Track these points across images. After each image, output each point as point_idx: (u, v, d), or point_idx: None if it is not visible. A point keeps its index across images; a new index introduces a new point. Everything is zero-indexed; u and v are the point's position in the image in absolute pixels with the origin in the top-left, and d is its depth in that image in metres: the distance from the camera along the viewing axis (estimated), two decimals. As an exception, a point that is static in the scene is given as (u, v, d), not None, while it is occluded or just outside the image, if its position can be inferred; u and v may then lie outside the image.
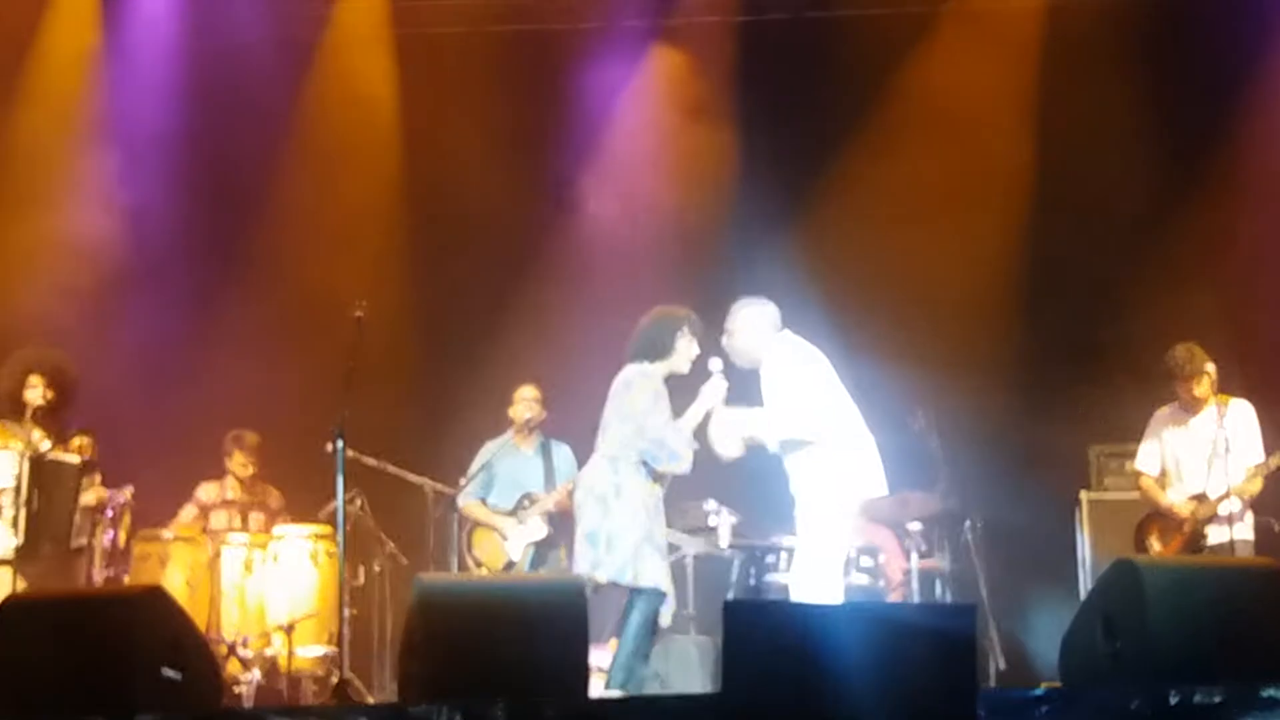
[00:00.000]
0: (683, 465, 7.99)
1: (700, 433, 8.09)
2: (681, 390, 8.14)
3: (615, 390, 8.10)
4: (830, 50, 11.13)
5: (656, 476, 8.03)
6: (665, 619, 7.96)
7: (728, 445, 8.10)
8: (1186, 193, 10.70)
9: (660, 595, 7.84)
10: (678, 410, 8.04)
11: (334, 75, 11.22)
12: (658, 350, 8.11)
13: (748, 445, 8.17)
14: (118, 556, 9.16)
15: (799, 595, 8.06)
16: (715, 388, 8.10)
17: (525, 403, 9.76)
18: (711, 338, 8.28)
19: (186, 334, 10.92)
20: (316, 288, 10.58)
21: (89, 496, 8.96)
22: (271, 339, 10.76)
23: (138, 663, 6.00)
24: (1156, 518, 9.15)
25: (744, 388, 8.20)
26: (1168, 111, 10.67)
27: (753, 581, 9.10)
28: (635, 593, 7.84)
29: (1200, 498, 8.92)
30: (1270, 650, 6.43)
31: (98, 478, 9.02)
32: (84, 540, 8.95)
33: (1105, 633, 6.53)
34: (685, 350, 8.13)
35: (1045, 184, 10.76)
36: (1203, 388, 8.99)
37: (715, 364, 8.15)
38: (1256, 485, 8.84)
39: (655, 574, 7.86)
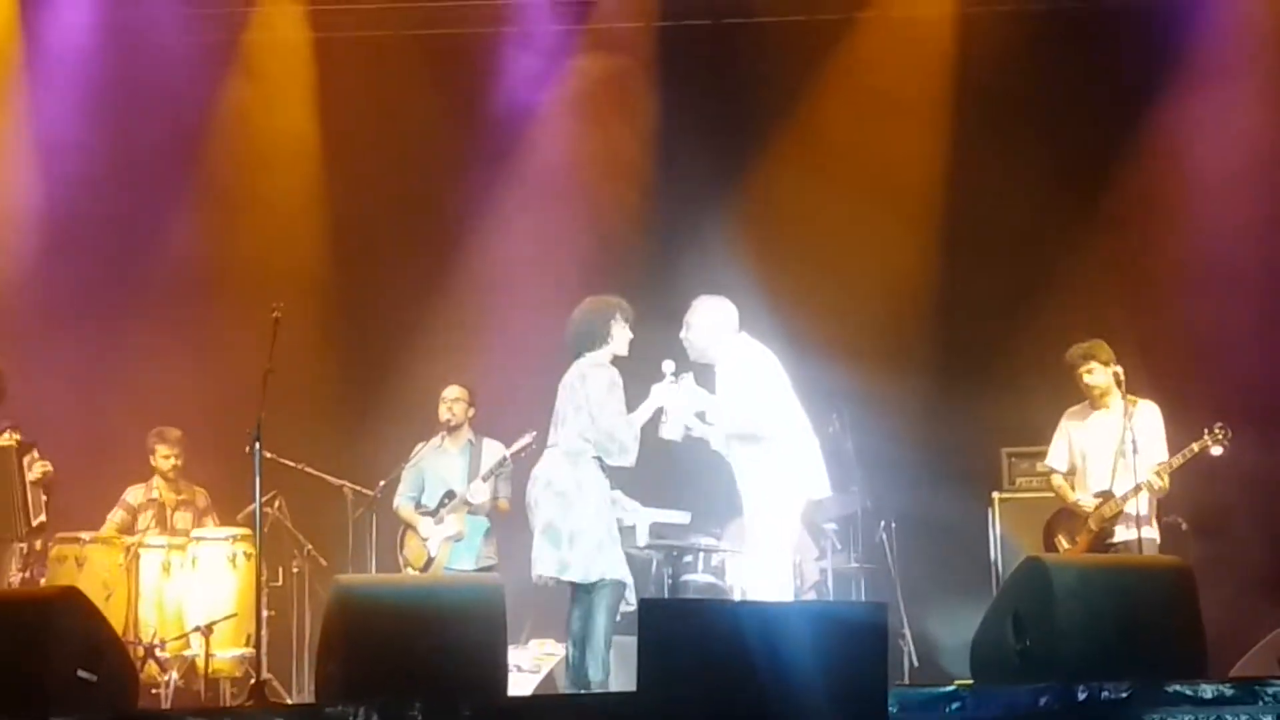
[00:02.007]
0: (628, 459, 8.05)
1: (645, 430, 8.16)
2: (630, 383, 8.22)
3: (569, 383, 8.15)
4: (750, 56, 11.21)
5: (609, 471, 8.08)
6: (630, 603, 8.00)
7: (672, 428, 8.17)
8: (1096, 199, 10.85)
9: (623, 586, 7.90)
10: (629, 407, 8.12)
11: (253, 79, 11.17)
12: (596, 339, 8.17)
13: (688, 436, 8.24)
14: (34, 558, 9.14)
15: (750, 593, 8.13)
16: (667, 390, 8.16)
17: (446, 404, 9.80)
18: (637, 333, 8.34)
19: (103, 337, 10.85)
20: (235, 289, 10.56)
21: (35, 472, 8.93)
22: (189, 341, 10.72)
23: (52, 664, 5.99)
24: (1065, 516, 9.25)
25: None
26: (1079, 119, 10.81)
27: (669, 581, 9.17)
28: (597, 590, 7.89)
29: (1106, 495, 9.04)
30: (1175, 647, 6.57)
31: (35, 453, 8.97)
32: (44, 516, 8.93)
33: (1015, 630, 6.65)
34: (621, 335, 8.22)
35: (958, 191, 10.88)
36: (1095, 379, 9.11)
37: (668, 365, 8.22)
38: (1164, 483, 8.95)
39: (618, 566, 7.94)
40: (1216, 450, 8.79)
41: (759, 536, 8.19)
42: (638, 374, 8.30)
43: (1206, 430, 8.80)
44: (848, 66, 11.15)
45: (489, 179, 11.27)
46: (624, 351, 8.25)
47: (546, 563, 7.98)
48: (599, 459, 8.03)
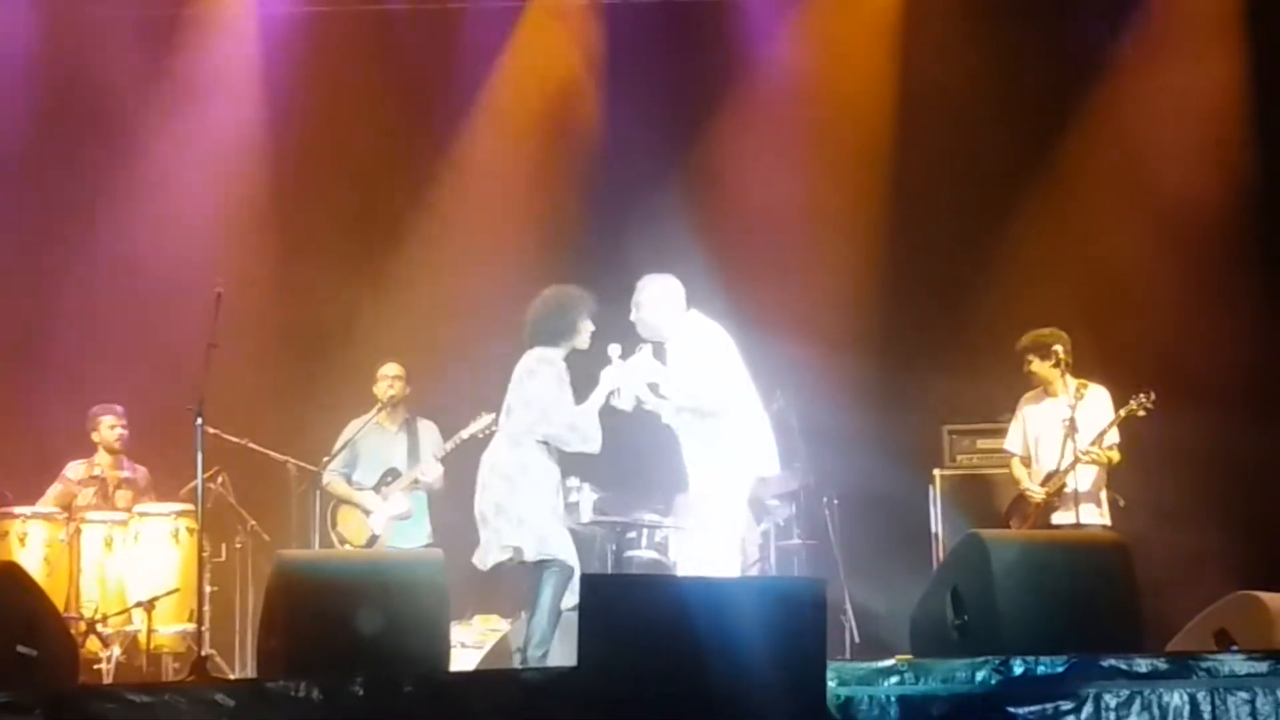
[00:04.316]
0: (593, 446, 8.06)
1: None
2: (576, 369, 8.19)
3: (518, 376, 8.13)
4: (697, 31, 11.22)
5: (557, 457, 8.08)
6: (569, 600, 7.91)
7: (624, 398, 8.19)
8: (1040, 179, 10.92)
9: (569, 569, 7.88)
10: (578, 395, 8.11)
11: (197, 49, 11.10)
12: (561, 333, 8.15)
13: (639, 407, 8.24)
14: (-25, 535, 9.09)
15: (694, 569, 8.15)
16: (614, 373, 8.17)
17: (387, 380, 9.73)
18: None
19: (43, 311, 10.79)
20: (177, 263, 10.50)
21: None
22: (131, 316, 10.66)
23: (-9, 640, 5.98)
24: (1020, 500, 9.36)
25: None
26: (1024, 101, 10.85)
27: (613, 556, 9.19)
28: (546, 569, 7.87)
29: (1049, 476, 9.14)
30: (1112, 621, 6.65)
31: None
32: None
33: (954, 605, 6.72)
34: (585, 329, 8.20)
35: (903, 170, 10.92)
36: (1035, 370, 9.24)
37: (614, 350, 8.22)
38: (1102, 454, 9.04)
39: (564, 548, 7.94)
40: (1141, 414, 8.92)
41: (706, 513, 8.19)
42: (584, 355, 8.27)
43: (1132, 396, 8.92)
44: (795, 43, 11.17)
45: (432, 156, 11.24)
46: (585, 345, 8.23)
47: (490, 542, 7.97)
48: (544, 443, 8.02)
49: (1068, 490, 8.98)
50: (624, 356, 8.23)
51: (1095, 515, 9.05)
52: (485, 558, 8.03)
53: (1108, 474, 9.15)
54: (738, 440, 8.15)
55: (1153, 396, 8.86)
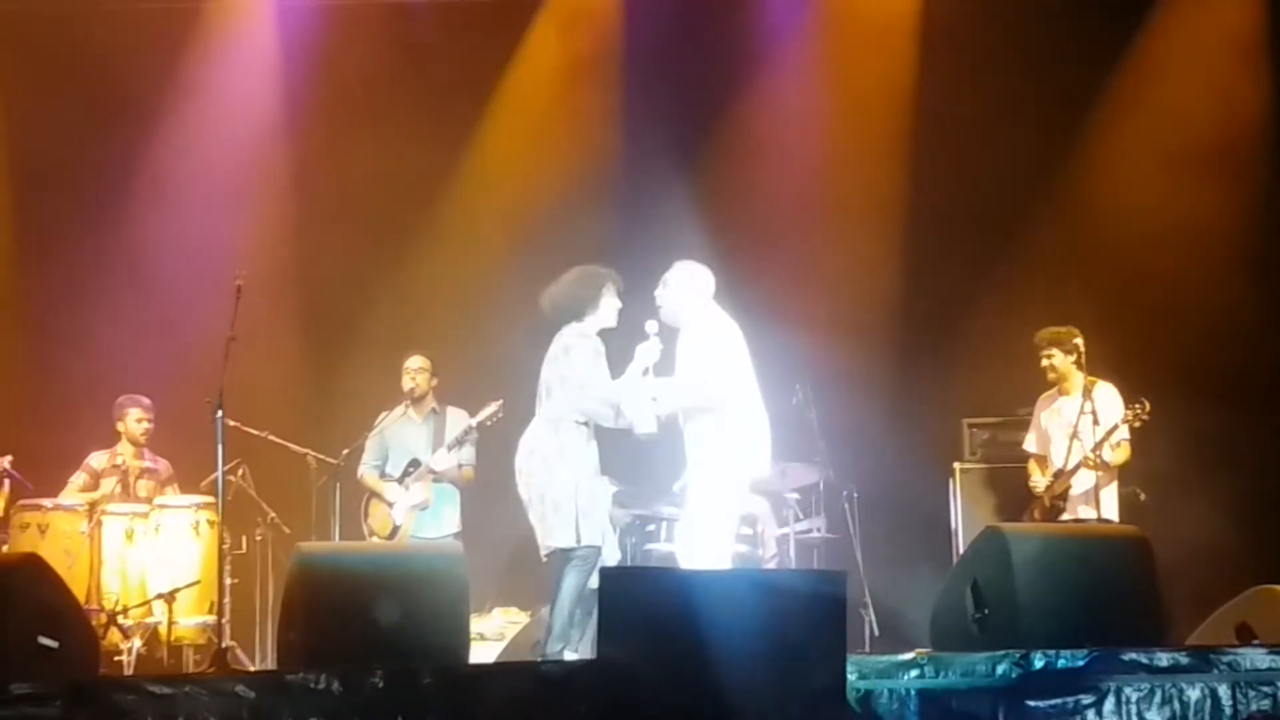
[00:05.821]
0: (642, 425, 7.98)
1: None
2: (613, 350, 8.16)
3: (553, 354, 8.07)
4: (714, 25, 11.21)
5: (596, 439, 8.03)
6: (593, 581, 7.87)
7: (644, 422, 8.15)
8: (1054, 176, 10.91)
9: (597, 553, 7.84)
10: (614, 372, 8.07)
11: (217, 42, 11.13)
12: (584, 308, 8.11)
13: (662, 422, 8.23)
14: (-3, 526, 9.14)
15: (687, 561, 8.14)
16: (651, 349, 8.14)
17: (409, 373, 9.76)
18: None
19: (66, 304, 10.83)
20: (197, 255, 10.53)
21: None
22: (152, 308, 10.69)
23: (13, 631, 6.01)
24: (1035, 498, 9.39)
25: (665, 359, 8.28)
26: (1036, 99, 10.81)
27: (633, 550, 9.18)
28: (570, 558, 7.84)
29: (1058, 473, 9.17)
30: (1132, 615, 6.65)
31: None
32: None
33: (974, 599, 6.71)
34: (610, 305, 8.17)
35: (920, 165, 10.91)
36: (1054, 364, 9.27)
37: (651, 326, 8.18)
38: (1121, 455, 9.06)
39: (596, 535, 7.89)
40: (1136, 425, 8.98)
41: (701, 506, 8.18)
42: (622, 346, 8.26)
43: (1128, 407, 8.99)
44: (815, 37, 11.17)
45: (451, 147, 11.25)
46: (613, 323, 8.19)
47: (537, 529, 7.93)
48: (584, 425, 7.98)
49: (1074, 493, 9.02)
50: (660, 333, 8.19)
51: (1091, 514, 9.06)
52: (542, 542, 7.97)
53: (1117, 472, 9.16)
54: (729, 439, 8.09)
55: (1148, 408, 8.91)
